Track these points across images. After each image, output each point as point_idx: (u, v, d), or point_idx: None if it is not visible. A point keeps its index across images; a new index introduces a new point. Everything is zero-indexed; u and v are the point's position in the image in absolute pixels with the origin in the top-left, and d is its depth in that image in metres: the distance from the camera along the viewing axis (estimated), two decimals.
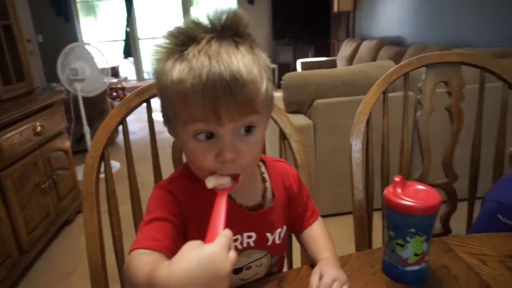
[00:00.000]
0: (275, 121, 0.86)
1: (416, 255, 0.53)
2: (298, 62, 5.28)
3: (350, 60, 4.62)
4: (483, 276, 0.55)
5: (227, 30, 0.48)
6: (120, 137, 3.45)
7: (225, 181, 0.50)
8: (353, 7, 5.35)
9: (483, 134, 1.01)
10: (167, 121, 0.54)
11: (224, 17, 0.48)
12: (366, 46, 4.28)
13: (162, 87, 0.49)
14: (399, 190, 0.53)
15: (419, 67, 0.98)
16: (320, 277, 0.53)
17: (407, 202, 0.51)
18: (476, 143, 1.01)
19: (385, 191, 0.54)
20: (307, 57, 5.79)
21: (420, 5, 3.63)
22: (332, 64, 4.99)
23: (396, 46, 3.71)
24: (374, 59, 3.90)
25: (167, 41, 0.48)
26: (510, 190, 0.87)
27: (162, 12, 6.87)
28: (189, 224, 0.56)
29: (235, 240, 0.59)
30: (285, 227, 0.65)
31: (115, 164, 3.07)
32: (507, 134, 0.98)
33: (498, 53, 2.32)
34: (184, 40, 0.47)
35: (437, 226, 1.05)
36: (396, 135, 1.02)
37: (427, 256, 0.54)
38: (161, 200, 0.56)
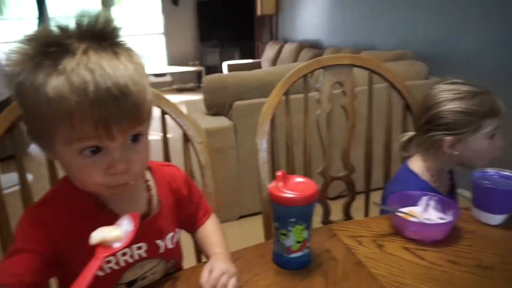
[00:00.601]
0: (178, 124, 0.87)
1: (298, 242, 0.58)
2: (224, 65, 5.33)
3: (274, 62, 4.78)
4: (357, 254, 0.62)
5: (103, 38, 0.45)
6: (34, 146, 3.19)
7: (112, 236, 0.47)
8: (276, 11, 5.53)
9: (376, 130, 1.12)
10: (37, 139, 0.49)
11: (97, 23, 0.45)
12: (288, 48, 4.46)
13: (32, 104, 0.44)
14: (280, 184, 0.57)
15: (317, 69, 1.06)
16: (210, 272, 0.55)
17: (286, 194, 0.55)
18: (368, 138, 1.11)
19: (269, 186, 0.59)
20: (234, 59, 5.86)
21: (335, 10, 3.89)
22: (257, 66, 5.11)
23: (315, 49, 3.93)
24: (295, 60, 4.08)
25: (29, 47, 0.44)
26: (390, 183, 0.99)
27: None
28: (66, 252, 0.53)
29: (123, 254, 0.57)
30: (177, 230, 0.66)
31: (28, 176, 2.82)
32: (392, 129, 1.10)
33: (396, 55, 2.58)
34: (53, 48, 0.43)
35: (340, 215, 1.14)
36: (301, 133, 1.09)
37: (308, 243, 0.60)
38: (27, 228, 0.52)
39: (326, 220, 1.13)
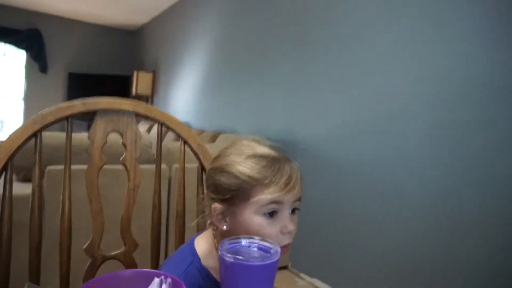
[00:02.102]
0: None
1: None
2: None
3: None
4: None
5: None
6: None
7: None
8: (151, 92, 5.48)
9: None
10: None
11: None
12: (155, 128, 4.31)
13: None
14: None
15: (85, 111, 0.84)
16: None
17: None
18: (156, 203, 0.90)
19: None
20: None
21: (202, 96, 3.97)
22: None
23: None
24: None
25: None
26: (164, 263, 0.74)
27: None
28: None
29: None
30: None
31: None
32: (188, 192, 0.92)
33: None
34: None
35: None
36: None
37: None
38: None
39: None
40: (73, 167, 0.84)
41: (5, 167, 0.75)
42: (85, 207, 0.82)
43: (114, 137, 0.87)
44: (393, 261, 1.81)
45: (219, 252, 0.49)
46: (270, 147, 0.70)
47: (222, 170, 0.66)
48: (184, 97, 4.42)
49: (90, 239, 0.83)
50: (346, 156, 2.11)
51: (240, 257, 0.46)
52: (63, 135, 1.93)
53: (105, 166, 0.85)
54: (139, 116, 0.88)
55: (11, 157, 0.75)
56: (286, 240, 0.66)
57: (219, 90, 3.65)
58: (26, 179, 1.77)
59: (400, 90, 1.83)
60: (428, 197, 1.67)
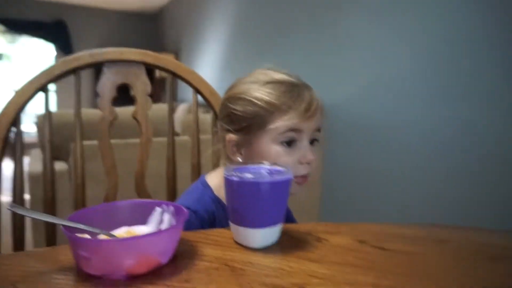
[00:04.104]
0: None
1: None
2: None
3: None
4: None
5: None
6: None
7: None
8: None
9: (181, 146, 0.89)
10: None
11: None
12: (181, 107, 4.33)
13: None
14: None
15: (93, 63, 0.81)
16: None
17: None
18: (170, 156, 0.87)
19: None
20: None
21: (223, 73, 3.91)
22: None
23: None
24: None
25: None
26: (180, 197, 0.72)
27: None
28: None
29: None
30: None
31: None
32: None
33: None
34: None
35: None
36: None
37: None
38: None
39: None
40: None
41: (15, 121, 0.73)
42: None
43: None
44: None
45: (224, 174, 0.45)
46: (288, 73, 0.64)
47: (237, 98, 0.62)
48: (207, 75, 4.36)
49: (105, 195, 0.82)
50: (368, 117, 2.02)
51: (248, 175, 0.42)
52: (87, 111, 1.94)
53: (123, 141, 0.83)
54: (148, 66, 0.85)
55: (20, 110, 0.74)
56: (304, 170, 0.62)
57: (240, 65, 3.58)
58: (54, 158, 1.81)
59: (416, 52, 1.71)
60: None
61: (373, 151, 2.05)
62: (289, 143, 0.60)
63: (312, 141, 0.62)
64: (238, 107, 0.62)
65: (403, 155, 1.86)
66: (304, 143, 0.60)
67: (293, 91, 0.60)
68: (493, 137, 1.48)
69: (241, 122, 0.62)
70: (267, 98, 0.60)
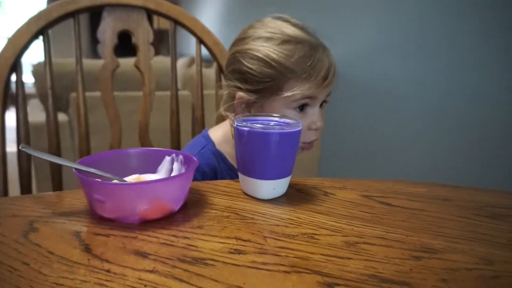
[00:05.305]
0: None
1: None
2: None
3: None
4: None
5: None
6: None
7: None
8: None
9: (182, 98, 0.87)
10: None
11: None
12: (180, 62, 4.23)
13: None
14: None
15: (92, 7, 0.77)
16: None
17: None
18: (174, 109, 0.86)
19: None
20: None
21: (225, 28, 3.78)
22: None
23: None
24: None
25: None
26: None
27: None
28: None
29: None
30: None
31: None
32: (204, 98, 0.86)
33: None
34: None
35: None
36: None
37: None
38: None
39: None
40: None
41: (14, 67, 0.71)
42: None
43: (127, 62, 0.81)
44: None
45: (233, 124, 0.44)
46: (302, 28, 0.61)
47: (251, 55, 0.59)
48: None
49: (109, 146, 0.82)
50: (370, 75, 1.98)
51: (258, 125, 0.41)
52: (85, 61, 1.90)
53: (127, 93, 0.80)
54: (150, 12, 0.81)
55: (19, 56, 0.71)
56: (314, 136, 0.62)
57: (242, 20, 3.46)
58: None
59: (419, 12, 1.64)
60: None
61: (372, 109, 2.04)
62: (302, 107, 0.60)
63: (322, 104, 0.61)
64: (254, 67, 0.59)
65: (403, 114, 1.86)
66: (315, 108, 0.60)
67: (313, 56, 0.57)
68: (496, 92, 1.46)
69: (256, 84, 0.59)
70: (285, 62, 0.57)
